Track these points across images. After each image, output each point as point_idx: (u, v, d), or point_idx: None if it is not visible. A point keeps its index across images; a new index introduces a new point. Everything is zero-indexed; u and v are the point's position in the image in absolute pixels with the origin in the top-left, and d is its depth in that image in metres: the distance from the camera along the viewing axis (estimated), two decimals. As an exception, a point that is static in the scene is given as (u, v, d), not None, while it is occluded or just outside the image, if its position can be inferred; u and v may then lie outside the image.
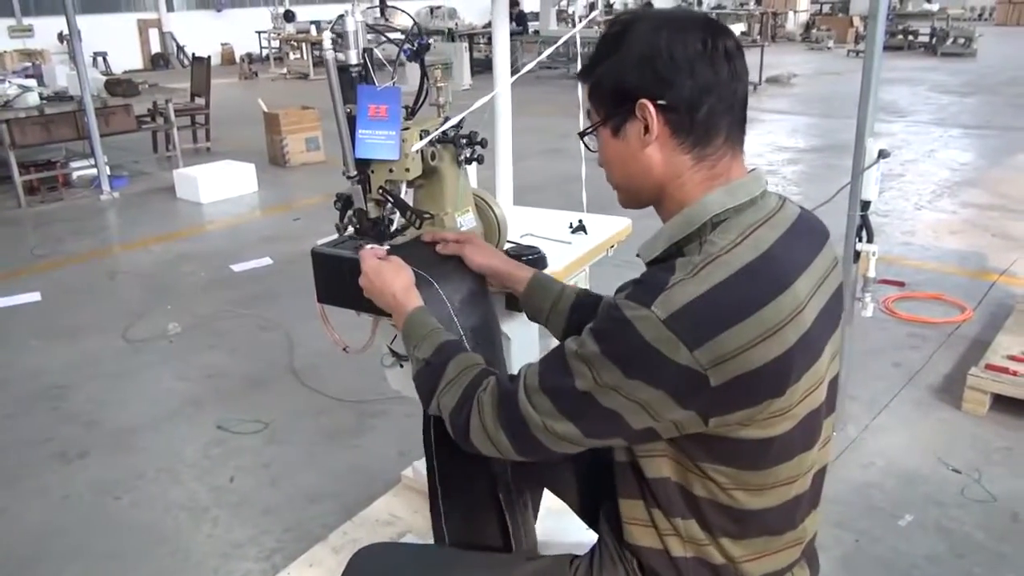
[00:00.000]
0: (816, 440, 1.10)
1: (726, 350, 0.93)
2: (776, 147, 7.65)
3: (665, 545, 1.12)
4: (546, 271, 1.86)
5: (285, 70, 15.33)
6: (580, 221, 2.11)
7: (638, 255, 1.12)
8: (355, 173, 1.48)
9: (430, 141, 1.53)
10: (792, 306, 0.97)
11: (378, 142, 1.45)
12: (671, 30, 1.03)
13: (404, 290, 1.33)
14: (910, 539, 2.25)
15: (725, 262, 0.97)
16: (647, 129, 1.05)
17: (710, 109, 1.03)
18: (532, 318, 1.50)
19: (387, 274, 1.35)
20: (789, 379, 0.98)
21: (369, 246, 1.46)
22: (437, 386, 1.19)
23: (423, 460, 2.41)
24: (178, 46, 16.79)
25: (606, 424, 1.01)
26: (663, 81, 1.02)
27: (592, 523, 1.44)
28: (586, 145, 1.17)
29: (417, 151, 1.50)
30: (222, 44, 17.24)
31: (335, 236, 1.67)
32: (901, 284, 4.04)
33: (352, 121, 1.47)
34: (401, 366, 1.88)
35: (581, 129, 1.18)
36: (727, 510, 1.07)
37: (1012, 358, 2.96)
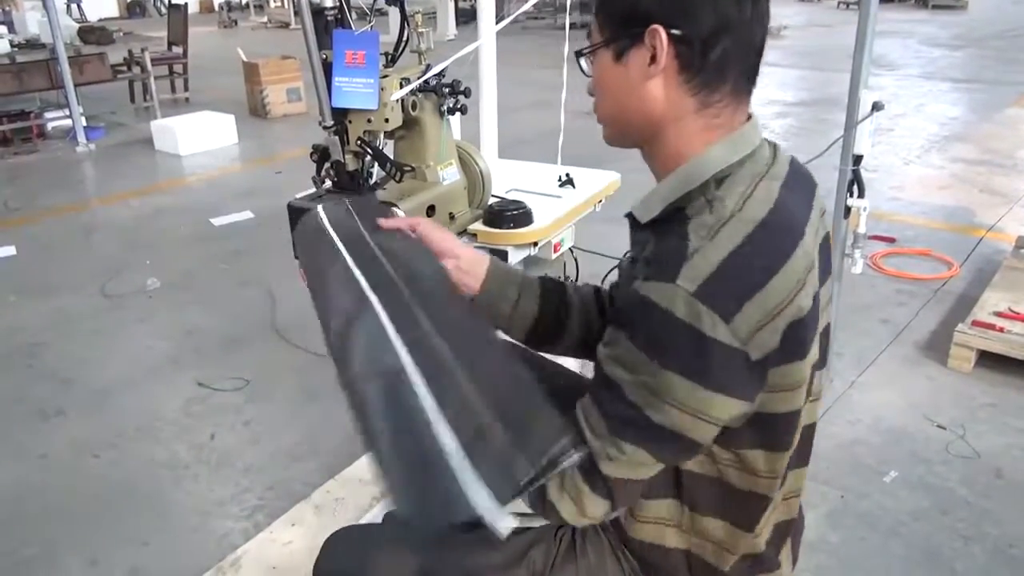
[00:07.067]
0: (809, 396, 1.06)
1: (757, 317, 0.86)
2: (766, 100, 7.55)
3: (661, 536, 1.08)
4: (532, 226, 1.81)
5: (265, 18, 14.99)
6: (568, 175, 2.06)
7: (629, 216, 1.03)
8: (332, 123, 1.42)
9: (411, 90, 1.47)
10: (807, 261, 0.91)
11: (356, 90, 1.38)
12: None
13: None
14: (895, 495, 2.25)
15: (740, 220, 0.89)
16: (654, 59, 0.94)
17: (724, 51, 0.93)
18: (493, 311, 1.26)
19: None
20: (810, 339, 0.92)
21: None
22: None
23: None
24: (155, -7, 16.38)
25: (668, 442, 0.91)
26: (683, 9, 0.92)
27: None
28: (581, 68, 1.06)
29: (397, 100, 1.44)
30: (200, -9, 16.82)
31: (313, 190, 1.61)
32: (891, 240, 4.01)
33: (328, 68, 1.40)
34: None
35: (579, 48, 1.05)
36: (739, 493, 1.02)
37: (999, 314, 2.95)
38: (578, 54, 1.05)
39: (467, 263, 1.22)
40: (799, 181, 1.03)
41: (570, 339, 1.27)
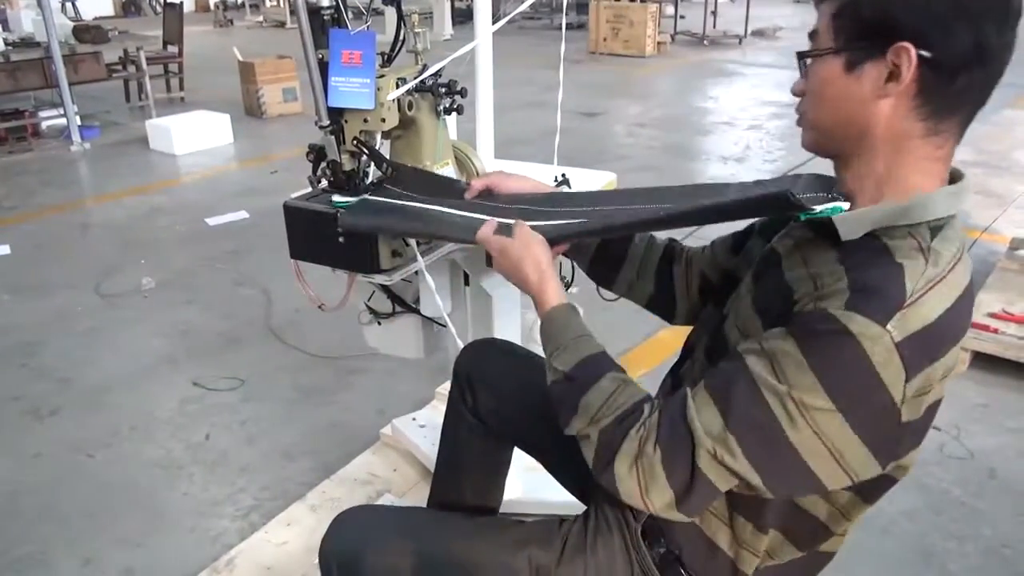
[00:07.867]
0: None
1: (928, 382, 0.84)
2: (760, 101, 7.57)
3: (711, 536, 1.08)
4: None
5: (261, 18, 14.97)
6: (564, 175, 2.06)
7: (820, 222, 0.93)
8: (328, 123, 1.41)
9: (407, 90, 1.47)
10: None
11: (352, 90, 1.38)
12: None
13: (538, 276, 1.11)
14: (890, 496, 2.18)
15: (952, 283, 0.85)
16: (891, 77, 0.85)
17: (971, 80, 0.84)
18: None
19: (512, 254, 1.14)
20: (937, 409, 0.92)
21: (488, 220, 1.25)
22: (579, 404, 0.98)
23: (402, 418, 2.39)
24: (150, -8, 16.34)
25: (789, 470, 0.86)
26: (940, 28, 0.82)
27: (581, 494, 1.41)
28: (800, 69, 0.95)
29: (393, 100, 1.43)
30: (196, -10, 16.78)
31: (309, 189, 1.61)
32: (884, 241, 4.02)
33: (324, 68, 1.40)
34: (379, 323, 1.84)
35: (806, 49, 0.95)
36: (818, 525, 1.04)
37: (992, 315, 2.96)
38: (800, 56, 0.94)
39: None
40: None
41: (623, 281, 1.34)
